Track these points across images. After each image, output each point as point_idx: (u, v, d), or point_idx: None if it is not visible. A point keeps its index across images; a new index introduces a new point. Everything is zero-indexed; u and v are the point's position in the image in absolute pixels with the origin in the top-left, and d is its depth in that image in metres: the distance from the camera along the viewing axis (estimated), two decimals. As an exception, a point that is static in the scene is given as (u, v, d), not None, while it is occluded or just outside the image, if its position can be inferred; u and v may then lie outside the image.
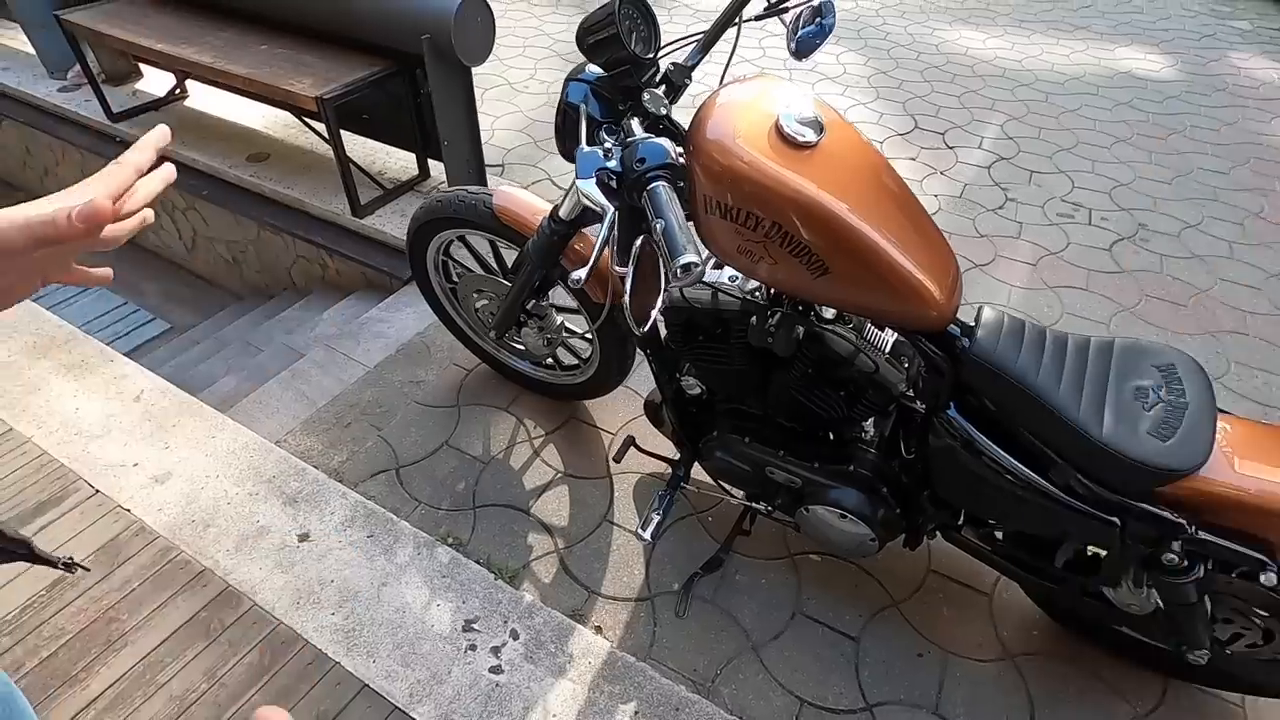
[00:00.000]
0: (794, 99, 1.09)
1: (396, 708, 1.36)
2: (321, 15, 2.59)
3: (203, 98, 3.40)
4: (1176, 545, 1.08)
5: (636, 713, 1.37)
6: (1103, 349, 1.18)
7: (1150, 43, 4.56)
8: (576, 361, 1.95)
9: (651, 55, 1.11)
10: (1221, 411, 1.19)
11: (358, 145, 2.92)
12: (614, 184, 0.97)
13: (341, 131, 2.53)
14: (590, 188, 0.94)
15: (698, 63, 1.21)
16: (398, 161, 2.94)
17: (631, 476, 1.86)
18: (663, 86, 1.17)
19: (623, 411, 2.02)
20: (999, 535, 1.43)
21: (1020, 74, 4.10)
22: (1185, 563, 1.09)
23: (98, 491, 1.72)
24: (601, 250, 0.94)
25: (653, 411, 1.71)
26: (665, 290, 0.88)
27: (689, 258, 0.81)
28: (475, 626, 1.49)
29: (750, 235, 1.08)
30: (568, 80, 1.18)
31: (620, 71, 1.11)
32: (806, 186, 1.02)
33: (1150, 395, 1.11)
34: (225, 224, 3.13)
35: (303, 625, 1.47)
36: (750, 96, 1.10)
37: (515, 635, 1.48)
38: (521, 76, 3.98)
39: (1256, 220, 2.91)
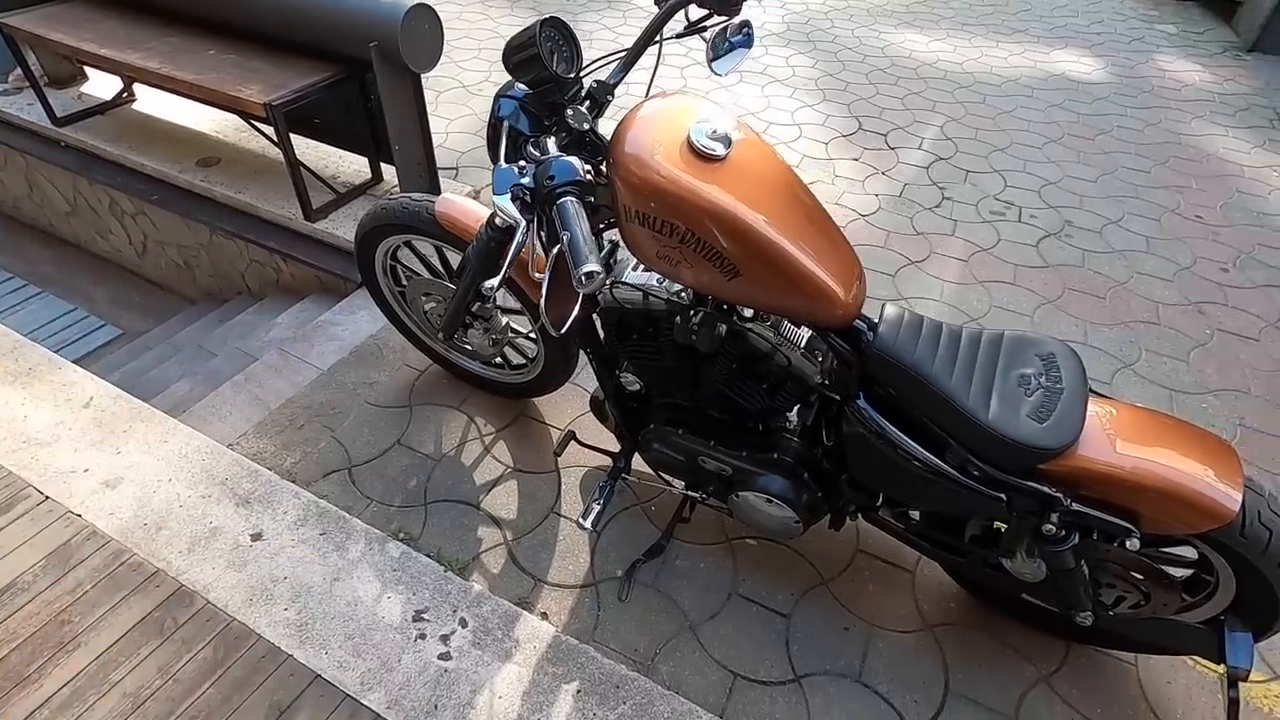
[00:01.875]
0: (705, 115, 1.18)
1: (348, 695, 1.42)
2: (269, 20, 2.61)
3: (151, 101, 3.38)
4: (1054, 516, 1.20)
5: (579, 691, 1.45)
6: (993, 341, 1.29)
7: (1083, 46, 4.78)
8: (524, 360, 2.02)
9: (574, 74, 1.19)
10: (1102, 396, 1.32)
11: (310, 149, 2.94)
12: (529, 199, 1.04)
13: (293, 136, 2.55)
14: (505, 203, 1.02)
15: (620, 80, 1.29)
16: (350, 165, 2.97)
17: (578, 470, 1.94)
18: (587, 103, 1.25)
19: (570, 408, 2.10)
20: (913, 515, 1.54)
21: (960, 76, 4.27)
22: (1062, 532, 1.21)
23: (47, 498, 1.74)
24: (513, 261, 1.02)
25: (597, 407, 1.79)
26: (579, 297, 0.96)
27: (590, 266, 0.89)
28: (425, 616, 1.55)
29: (667, 241, 1.16)
30: (497, 96, 1.25)
31: (544, 89, 1.18)
32: (714, 196, 1.11)
33: (1032, 382, 1.23)
34: (176, 229, 3.12)
35: (255, 621, 1.52)
36: (665, 112, 1.18)
37: (464, 623, 1.54)
38: (476, 79, 4.02)
39: (1172, 216, 3.10)
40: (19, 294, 3.54)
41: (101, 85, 3.45)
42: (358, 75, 2.55)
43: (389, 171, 2.88)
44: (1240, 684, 1.23)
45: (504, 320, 1.82)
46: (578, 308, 0.98)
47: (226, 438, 1.99)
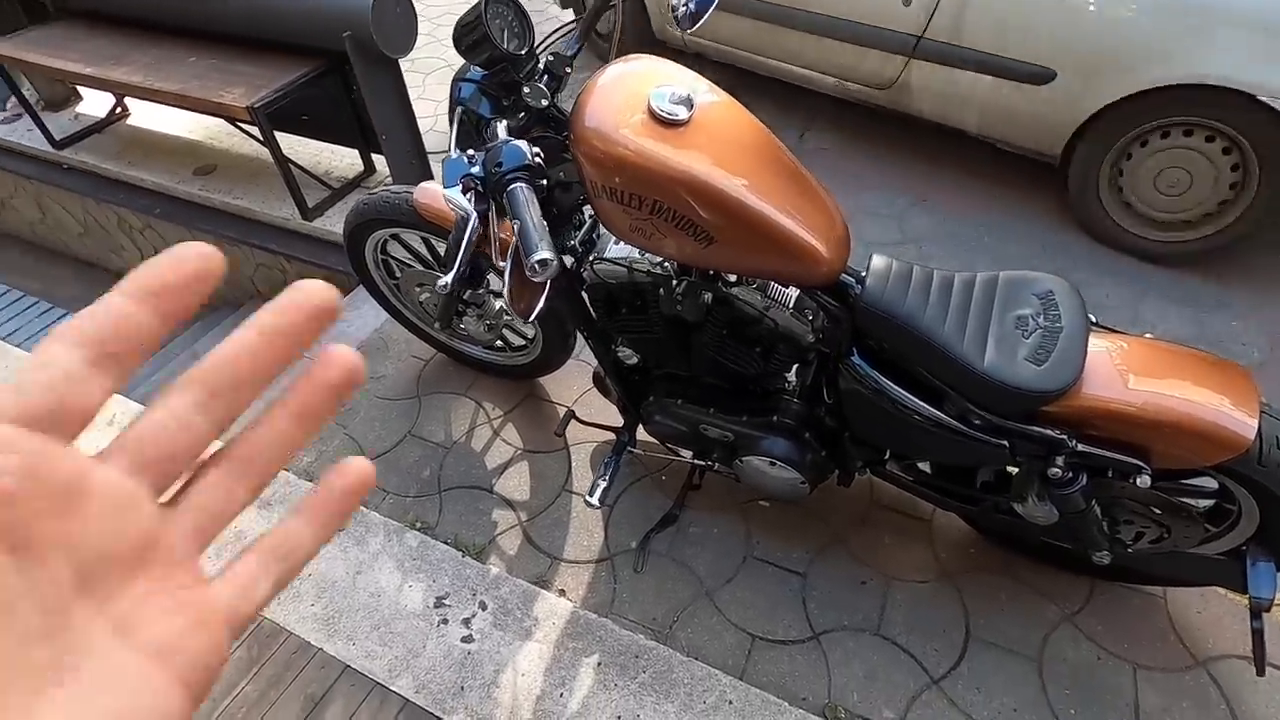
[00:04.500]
0: (665, 77, 1.13)
1: (377, 683, 1.47)
2: (243, 21, 2.59)
3: (146, 114, 3.39)
4: (1060, 459, 1.16)
5: (599, 664, 1.48)
6: (988, 283, 1.25)
7: None
8: (524, 342, 2.02)
9: (526, 50, 1.15)
10: (1112, 330, 1.27)
11: (302, 147, 2.94)
12: (481, 188, 1.02)
13: (284, 134, 2.55)
14: (455, 195, 1.00)
15: (578, 51, 1.24)
16: (343, 160, 2.96)
17: (587, 446, 1.95)
18: (545, 78, 1.21)
19: (575, 385, 2.10)
20: (922, 467, 1.52)
21: None
22: (1069, 474, 1.18)
23: (82, 515, 1.81)
24: (466, 254, 1.00)
25: (599, 383, 1.78)
26: (544, 284, 0.94)
27: (541, 254, 0.87)
28: (446, 602, 1.59)
29: (638, 214, 1.13)
30: (455, 80, 1.22)
31: (499, 69, 1.15)
32: (678, 162, 1.07)
33: (1030, 323, 1.18)
34: (181, 240, 3.14)
35: (285, 618, 1.58)
36: (624, 79, 1.14)
37: (484, 606, 1.58)
38: (462, 57, 3.95)
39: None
40: (45, 317, 3.64)
41: (95, 104, 3.48)
42: (337, 68, 2.52)
43: (380, 162, 2.87)
44: (1264, 614, 1.20)
45: (497, 304, 1.82)
46: (543, 297, 0.96)
47: (245, 442, 2.03)
